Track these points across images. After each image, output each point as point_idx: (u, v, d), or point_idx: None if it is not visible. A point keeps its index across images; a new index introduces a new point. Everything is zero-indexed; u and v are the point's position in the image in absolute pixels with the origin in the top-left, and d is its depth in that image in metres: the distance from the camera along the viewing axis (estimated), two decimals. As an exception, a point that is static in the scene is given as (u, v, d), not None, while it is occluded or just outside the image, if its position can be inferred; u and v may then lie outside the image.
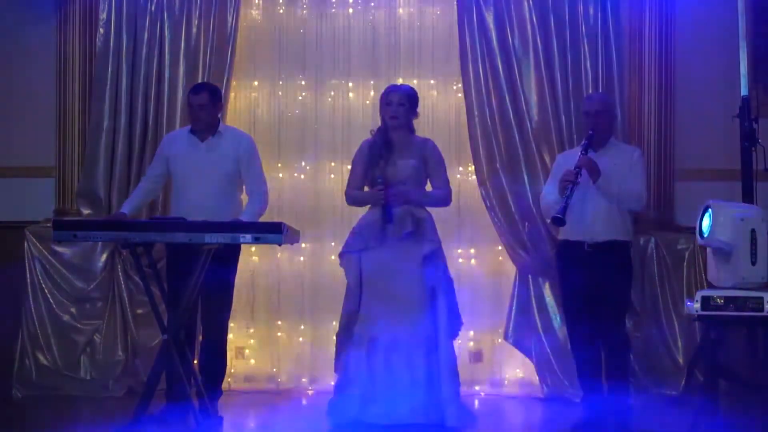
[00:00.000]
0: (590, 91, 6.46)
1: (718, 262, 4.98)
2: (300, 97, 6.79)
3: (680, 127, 6.67)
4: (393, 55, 6.76)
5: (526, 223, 6.50)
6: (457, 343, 5.83)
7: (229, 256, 5.65)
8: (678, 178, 6.66)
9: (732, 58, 5.61)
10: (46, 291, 6.60)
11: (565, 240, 5.73)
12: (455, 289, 5.76)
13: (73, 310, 6.62)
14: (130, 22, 6.68)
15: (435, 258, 5.63)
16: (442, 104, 6.76)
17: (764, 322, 4.90)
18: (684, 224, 6.45)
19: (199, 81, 6.45)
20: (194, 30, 6.68)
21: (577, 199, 5.51)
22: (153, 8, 6.68)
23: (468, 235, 6.64)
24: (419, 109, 5.89)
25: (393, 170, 5.68)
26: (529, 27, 6.57)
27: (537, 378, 6.56)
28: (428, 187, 5.84)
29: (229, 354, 6.25)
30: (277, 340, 6.76)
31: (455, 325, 5.66)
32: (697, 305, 4.90)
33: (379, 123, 5.86)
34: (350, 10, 6.80)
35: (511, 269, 6.63)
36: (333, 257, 6.42)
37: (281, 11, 6.81)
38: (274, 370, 6.75)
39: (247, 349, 6.76)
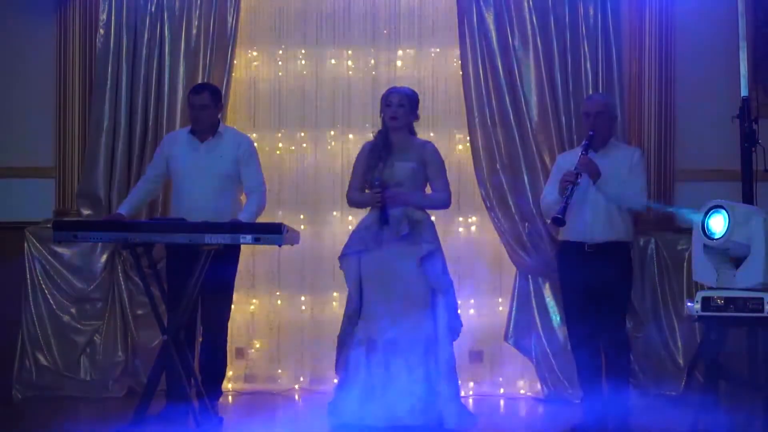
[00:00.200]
0: (590, 91, 6.46)
1: (719, 262, 4.98)
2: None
3: (680, 127, 6.68)
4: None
5: (526, 224, 6.50)
6: (457, 343, 5.82)
7: (229, 256, 5.65)
8: (678, 179, 6.66)
9: (732, 59, 5.61)
10: (46, 291, 6.60)
11: (565, 241, 5.73)
12: (455, 290, 5.77)
13: (73, 310, 6.62)
14: (130, 23, 6.68)
15: (433, 259, 5.61)
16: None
17: (764, 322, 4.90)
18: (683, 225, 6.45)
19: (199, 81, 6.46)
20: (194, 30, 6.68)
21: (578, 200, 5.51)
22: (153, 8, 6.68)
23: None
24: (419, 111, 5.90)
25: (390, 172, 5.68)
26: (529, 28, 6.57)
27: (537, 378, 6.56)
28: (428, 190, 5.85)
29: (229, 354, 6.26)
30: (277, 339, 6.76)
31: (455, 326, 5.66)
32: (698, 306, 4.90)
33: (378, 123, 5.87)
34: None
35: (511, 269, 6.62)
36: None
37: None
38: (278, 371, 6.75)
39: (251, 349, 6.78)
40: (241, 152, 5.84)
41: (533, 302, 6.54)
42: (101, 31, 6.70)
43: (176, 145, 5.89)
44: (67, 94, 6.77)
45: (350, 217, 6.53)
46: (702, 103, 6.62)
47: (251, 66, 6.86)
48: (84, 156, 6.74)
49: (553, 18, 6.57)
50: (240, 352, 6.76)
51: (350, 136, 6.77)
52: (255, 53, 6.87)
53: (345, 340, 5.68)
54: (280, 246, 5.37)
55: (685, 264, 6.45)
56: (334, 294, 6.67)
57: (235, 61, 6.67)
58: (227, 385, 6.45)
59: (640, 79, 6.66)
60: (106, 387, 6.53)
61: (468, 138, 6.62)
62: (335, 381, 5.84)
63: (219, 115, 5.95)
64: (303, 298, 6.77)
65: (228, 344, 5.98)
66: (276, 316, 6.80)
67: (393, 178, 5.67)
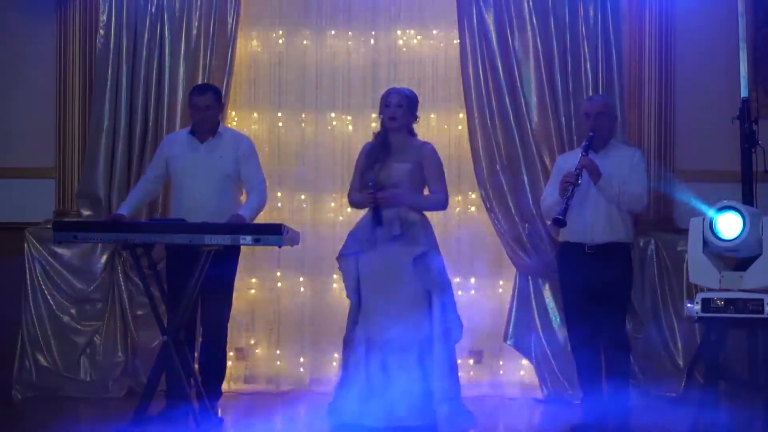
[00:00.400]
0: (590, 92, 6.46)
1: (720, 264, 4.98)
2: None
3: (680, 128, 6.68)
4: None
5: (527, 225, 6.50)
6: (457, 344, 5.82)
7: (229, 257, 5.65)
8: (678, 180, 6.66)
9: (732, 60, 5.61)
10: (46, 292, 6.59)
11: (565, 242, 5.73)
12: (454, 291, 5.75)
13: (73, 311, 6.62)
14: (131, 23, 6.68)
15: (427, 261, 5.57)
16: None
17: (764, 324, 4.91)
18: (684, 226, 6.42)
19: (199, 81, 6.46)
20: (194, 31, 6.68)
21: (578, 201, 5.52)
22: (153, 9, 6.68)
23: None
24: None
25: (387, 173, 5.66)
26: (529, 28, 6.57)
27: (537, 379, 6.56)
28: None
29: (229, 355, 6.26)
30: (277, 339, 6.77)
31: (453, 327, 5.61)
32: (698, 307, 4.89)
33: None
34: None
35: (511, 270, 6.62)
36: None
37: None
38: (278, 372, 6.75)
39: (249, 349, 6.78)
40: (241, 152, 5.85)
41: (533, 303, 6.54)
42: (101, 31, 6.70)
43: (176, 146, 5.90)
44: (67, 94, 6.77)
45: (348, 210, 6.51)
46: (702, 103, 6.62)
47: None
48: (84, 156, 6.74)
49: (553, 18, 6.57)
50: (240, 353, 6.76)
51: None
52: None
53: (346, 341, 5.68)
54: (280, 247, 5.37)
55: (684, 265, 6.41)
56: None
57: (234, 62, 6.67)
58: (227, 386, 6.44)
59: (640, 79, 6.66)
60: (106, 387, 6.53)
61: (469, 143, 6.60)
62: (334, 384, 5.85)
63: (219, 116, 5.96)
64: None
65: (228, 344, 5.98)
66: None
67: (389, 179, 5.66)
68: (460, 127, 6.76)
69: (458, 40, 6.66)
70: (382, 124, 5.76)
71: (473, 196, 6.74)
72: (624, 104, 6.56)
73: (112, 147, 6.68)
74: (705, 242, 4.98)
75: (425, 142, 5.89)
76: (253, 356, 6.76)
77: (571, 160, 5.67)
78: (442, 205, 5.78)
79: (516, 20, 6.58)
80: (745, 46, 5.38)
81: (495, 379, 6.70)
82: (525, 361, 6.62)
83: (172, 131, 6.39)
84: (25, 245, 6.58)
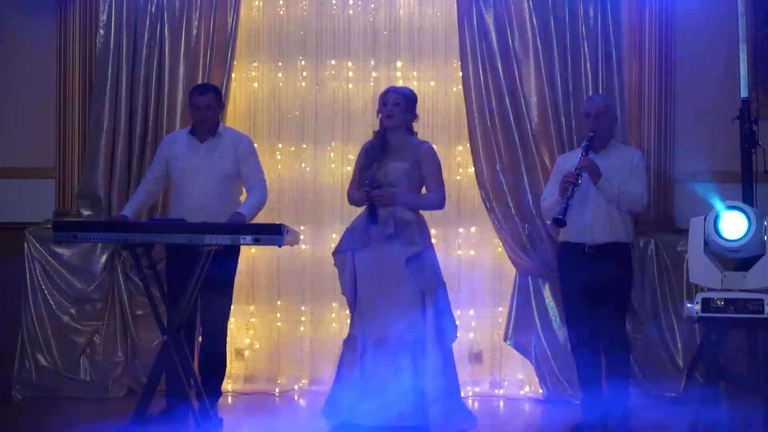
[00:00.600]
0: (590, 92, 6.46)
1: (722, 264, 4.97)
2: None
3: (680, 128, 6.67)
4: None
5: (526, 225, 6.50)
6: (457, 343, 5.81)
7: (229, 256, 5.65)
8: (678, 180, 6.66)
9: (732, 60, 5.60)
10: (46, 292, 6.59)
11: (565, 242, 5.73)
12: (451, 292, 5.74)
13: (73, 311, 6.61)
14: (130, 23, 6.67)
15: (421, 261, 5.54)
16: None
17: (764, 324, 4.91)
18: (684, 226, 6.42)
19: (199, 81, 6.46)
20: (194, 30, 6.67)
21: (578, 201, 5.52)
22: (153, 9, 6.68)
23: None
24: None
25: (384, 172, 5.65)
26: (529, 28, 6.57)
27: (537, 379, 6.56)
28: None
29: (229, 355, 6.26)
30: (276, 340, 6.77)
31: (447, 328, 5.58)
32: (698, 307, 4.90)
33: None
34: (350, 12, 6.81)
35: (511, 270, 6.62)
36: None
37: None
38: (278, 372, 6.75)
39: (246, 350, 6.77)
40: (241, 151, 5.86)
41: (533, 303, 6.54)
42: (101, 31, 6.69)
43: (176, 146, 5.90)
44: (67, 94, 6.77)
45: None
46: (702, 103, 6.62)
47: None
48: (84, 156, 6.74)
49: (553, 19, 6.57)
50: (240, 353, 6.76)
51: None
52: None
53: (345, 341, 5.69)
54: (280, 246, 5.36)
55: (684, 265, 6.42)
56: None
57: (235, 62, 6.67)
58: (227, 386, 6.45)
59: (639, 79, 6.66)
60: (106, 387, 6.53)
61: (469, 143, 6.60)
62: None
63: (220, 116, 5.96)
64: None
65: (228, 345, 5.98)
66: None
67: (386, 177, 5.65)
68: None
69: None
70: (380, 123, 5.76)
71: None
72: (624, 104, 6.56)
73: (112, 147, 6.68)
74: (706, 242, 4.99)
75: (423, 140, 5.87)
76: (253, 356, 6.77)
77: (571, 160, 5.67)
78: (439, 204, 5.75)
79: (516, 21, 6.58)
80: (745, 46, 5.37)
81: (495, 379, 6.70)
82: (525, 361, 6.61)
83: (172, 131, 6.39)
84: (25, 245, 6.58)
